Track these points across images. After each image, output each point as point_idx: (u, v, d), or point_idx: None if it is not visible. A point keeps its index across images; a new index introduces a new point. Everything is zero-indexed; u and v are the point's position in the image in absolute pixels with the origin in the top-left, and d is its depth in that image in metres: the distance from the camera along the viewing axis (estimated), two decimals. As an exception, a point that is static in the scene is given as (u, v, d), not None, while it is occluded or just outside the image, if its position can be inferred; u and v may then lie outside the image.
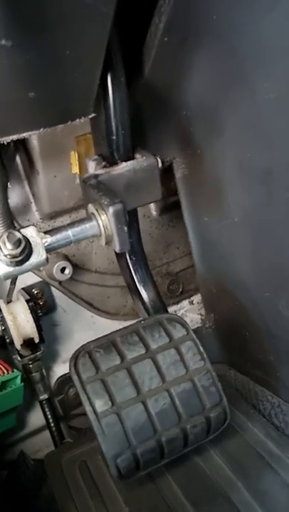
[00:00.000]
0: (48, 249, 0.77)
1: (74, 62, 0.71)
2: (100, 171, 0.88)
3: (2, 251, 0.71)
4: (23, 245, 0.72)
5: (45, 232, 0.78)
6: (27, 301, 1.17)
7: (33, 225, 0.82)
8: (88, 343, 0.85)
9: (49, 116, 0.81)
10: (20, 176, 1.19)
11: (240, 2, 0.71)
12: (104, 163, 0.91)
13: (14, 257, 0.72)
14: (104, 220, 0.78)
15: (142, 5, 0.78)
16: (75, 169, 1.18)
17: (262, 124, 0.83)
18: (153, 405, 0.80)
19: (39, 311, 1.20)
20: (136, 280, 0.97)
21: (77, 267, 1.28)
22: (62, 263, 1.23)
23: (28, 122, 0.80)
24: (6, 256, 0.72)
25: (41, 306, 1.26)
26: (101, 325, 1.35)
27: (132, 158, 0.91)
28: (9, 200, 1.09)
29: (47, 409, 1.28)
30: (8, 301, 1.19)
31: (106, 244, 0.82)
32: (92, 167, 0.92)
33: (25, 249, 0.72)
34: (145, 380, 0.81)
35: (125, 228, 0.78)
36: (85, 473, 0.99)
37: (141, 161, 0.89)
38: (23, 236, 0.72)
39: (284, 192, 0.81)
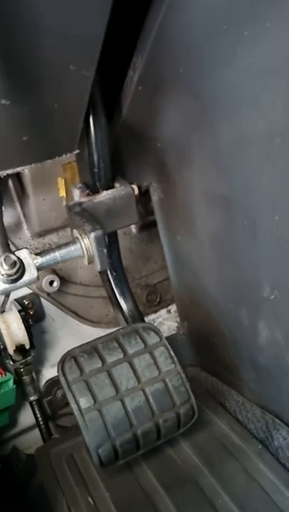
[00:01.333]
0: (39, 268, 0.87)
1: (61, 113, 0.82)
2: (83, 199, 0.98)
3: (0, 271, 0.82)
4: (17, 266, 0.82)
5: (36, 254, 0.88)
6: (19, 311, 1.27)
7: (26, 247, 0.92)
8: (74, 348, 0.95)
9: (39, 153, 0.92)
10: (12, 199, 1.29)
11: (201, 59, 0.82)
12: (87, 191, 1.02)
13: (10, 276, 0.82)
14: (86, 244, 0.89)
15: (118, 60, 0.89)
16: (62, 193, 1.29)
17: (222, 160, 0.94)
18: (129, 403, 0.90)
19: (30, 320, 1.30)
20: (116, 293, 1.08)
21: (64, 280, 1.38)
22: (51, 277, 1.34)
23: (21, 159, 0.91)
24: (2, 275, 0.82)
25: (32, 315, 1.35)
26: (85, 332, 1.45)
27: (112, 186, 1.02)
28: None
29: (36, 409, 1.37)
30: (2, 311, 1.29)
31: (88, 263, 0.92)
32: (77, 194, 1.03)
33: (20, 270, 0.83)
34: (123, 380, 0.91)
35: (105, 251, 0.88)
36: (71, 464, 1.08)
37: (119, 189, 1.00)
38: (18, 258, 0.83)
39: (241, 218, 0.92)
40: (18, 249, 0.86)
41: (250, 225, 0.91)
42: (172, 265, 1.27)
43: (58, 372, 0.92)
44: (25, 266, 0.84)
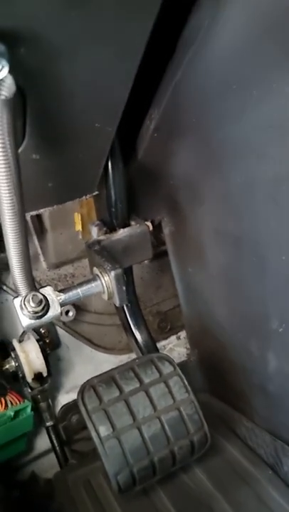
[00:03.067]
0: (62, 304, 0.93)
1: (84, 162, 0.90)
2: (102, 237, 1.05)
3: (26, 308, 0.88)
4: (43, 304, 0.88)
5: (60, 291, 0.95)
6: (37, 341, 1.33)
7: (49, 284, 0.98)
8: (92, 378, 1.01)
9: (62, 196, 1.00)
10: (30, 232, 1.36)
11: (213, 113, 0.89)
12: (104, 228, 1.09)
13: (36, 313, 0.88)
14: (106, 281, 0.96)
15: (135, 111, 0.96)
16: (78, 227, 1.36)
17: (232, 201, 1.00)
18: (146, 430, 0.95)
19: (47, 348, 1.36)
20: (131, 324, 1.14)
21: (79, 309, 1.44)
22: (67, 307, 1.40)
23: (45, 202, 0.98)
24: (29, 312, 0.88)
25: (48, 343, 1.41)
26: (99, 359, 1.51)
27: (128, 224, 1.09)
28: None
29: (52, 435, 1.42)
30: (20, 341, 1.35)
31: (108, 299, 0.99)
32: (94, 231, 1.09)
33: (45, 307, 0.89)
34: (140, 409, 0.97)
35: (124, 288, 0.95)
36: (88, 490, 1.12)
37: (135, 227, 1.07)
38: (43, 295, 0.89)
39: (250, 255, 0.99)
40: (42, 287, 0.93)
41: (259, 261, 0.97)
42: (183, 295, 1.33)
43: (77, 401, 0.98)
44: (50, 302, 0.90)
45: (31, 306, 0.87)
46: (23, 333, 1.36)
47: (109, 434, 0.94)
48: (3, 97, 0.59)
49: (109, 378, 1.00)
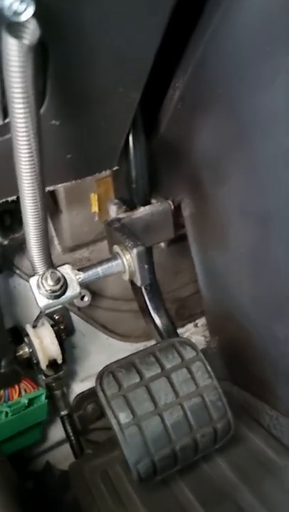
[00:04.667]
0: (81, 284, 0.89)
1: (105, 132, 0.86)
2: (122, 215, 1.01)
3: (44, 286, 0.84)
4: (62, 282, 0.84)
5: (78, 269, 0.91)
6: (52, 326, 1.29)
7: (67, 262, 0.94)
8: (111, 364, 0.97)
9: (80, 171, 0.95)
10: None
11: (242, 80, 0.85)
12: (124, 206, 1.04)
13: (54, 292, 0.84)
14: (128, 259, 0.91)
15: (158, 79, 0.92)
16: (95, 208, 1.31)
17: (259, 177, 0.96)
18: (168, 417, 0.91)
19: (62, 334, 1.32)
20: (150, 308, 1.10)
21: (94, 294, 1.40)
22: (83, 291, 1.36)
23: (63, 177, 0.94)
24: (46, 291, 0.84)
25: (62, 330, 1.38)
26: (115, 347, 1.47)
27: (149, 202, 1.04)
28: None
29: (67, 424, 1.39)
30: (34, 326, 1.32)
31: (129, 279, 0.94)
32: (113, 210, 1.05)
33: (63, 286, 0.85)
34: (161, 395, 0.93)
35: (146, 266, 0.91)
36: (105, 480, 1.09)
37: (157, 205, 1.03)
38: (62, 274, 0.85)
39: (280, 233, 0.94)
40: (60, 265, 0.89)
41: (289, 238, 0.93)
42: (203, 280, 1.29)
43: (96, 387, 0.94)
44: (68, 281, 0.87)
45: (49, 284, 0.83)
46: (37, 318, 1.32)
47: (129, 422, 0.91)
48: (26, 42, 0.54)
49: (128, 363, 0.96)
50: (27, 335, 1.29)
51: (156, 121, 1.02)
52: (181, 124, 0.98)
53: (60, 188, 1.22)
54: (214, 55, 0.82)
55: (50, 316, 1.36)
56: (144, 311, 1.10)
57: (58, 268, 0.87)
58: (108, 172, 1.17)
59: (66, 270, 0.88)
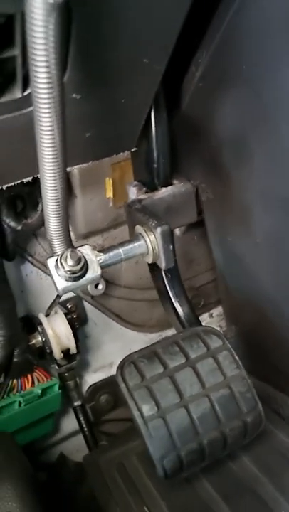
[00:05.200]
0: (102, 266, 0.79)
1: (127, 108, 0.78)
2: (142, 196, 0.90)
3: (63, 267, 0.73)
4: (82, 262, 0.74)
5: (99, 251, 0.80)
6: (65, 315, 1.19)
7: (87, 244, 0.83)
8: (131, 354, 0.87)
9: (99, 151, 0.87)
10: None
11: (267, 57, 0.75)
12: (144, 188, 0.94)
13: (74, 273, 0.74)
14: (152, 240, 0.81)
15: (181, 53, 0.82)
16: (109, 194, 1.21)
17: (283, 159, 0.85)
18: (194, 410, 0.81)
19: (76, 323, 1.22)
20: (171, 295, 0.99)
21: (108, 282, 1.30)
22: (96, 279, 1.26)
23: (81, 157, 0.85)
24: (66, 272, 0.74)
25: (75, 319, 1.27)
26: (128, 336, 1.37)
27: (171, 183, 0.94)
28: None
29: (80, 415, 1.29)
30: (47, 315, 1.21)
31: (152, 262, 0.84)
32: (133, 192, 0.95)
33: (84, 267, 0.75)
34: (186, 386, 0.82)
35: (171, 247, 0.80)
36: (122, 473, 1.00)
37: (179, 186, 0.92)
38: (82, 254, 0.75)
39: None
40: (79, 246, 0.79)
41: None
42: (222, 266, 1.18)
43: (117, 378, 0.84)
44: (88, 263, 0.76)
45: (68, 264, 0.73)
46: (51, 306, 1.22)
47: (153, 414, 0.80)
48: (50, 1, 0.46)
49: (151, 353, 0.85)
50: (40, 324, 1.18)
51: (177, 98, 0.91)
52: (202, 101, 0.88)
53: (75, 171, 1.12)
54: (240, 30, 0.73)
55: (63, 304, 1.25)
56: (165, 298, 1.00)
57: (78, 248, 0.76)
58: (125, 155, 1.07)
59: (86, 251, 0.78)
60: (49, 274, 1.23)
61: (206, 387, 0.82)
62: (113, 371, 1.36)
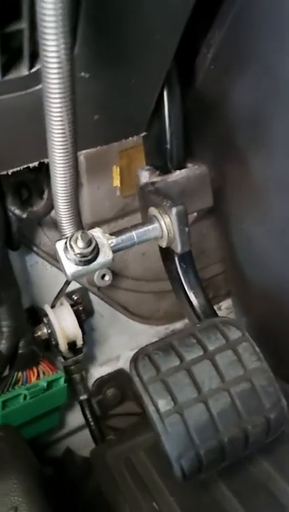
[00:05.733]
0: (114, 250, 0.69)
1: (137, 89, 0.70)
2: (156, 179, 0.81)
3: (73, 250, 0.64)
4: (93, 245, 0.64)
5: (110, 234, 0.71)
6: (71, 306, 1.09)
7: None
8: (146, 346, 0.77)
9: (107, 135, 0.79)
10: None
11: (283, 35, 0.66)
12: (157, 172, 0.84)
13: (84, 256, 0.65)
14: (167, 223, 0.71)
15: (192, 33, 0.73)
16: (116, 182, 1.11)
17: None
18: (214, 405, 0.71)
19: (82, 315, 1.12)
20: (186, 286, 0.89)
21: (114, 274, 1.20)
22: (103, 270, 1.16)
23: (89, 141, 0.77)
24: (76, 255, 0.64)
25: (81, 310, 1.17)
26: (135, 329, 1.27)
27: (184, 166, 0.84)
28: (52, 212, 1.02)
29: (87, 409, 1.19)
30: (52, 306, 1.12)
31: (166, 246, 0.74)
32: (145, 176, 0.85)
33: (95, 249, 0.65)
34: (205, 380, 0.72)
35: (186, 229, 0.71)
36: (130, 468, 0.91)
37: (193, 169, 0.83)
38: (93, 236, 0.65)
39: None
40: (89, 229, 0.69)
41: None
42: (233, 256, 1.09)
43: (130, 371, 0.74)
44: (99, 246, 0.67)
45: (79, 247, 0.63)
46: (57, 297, 1.12)
47: (170, 409, 0.70)
48: None
49: (166, 345, 0.76)
50: (46, 315, 1.09)
51: (190, 76, 0.82)
52: (216, 80, 0.79)
53: (82, 158, 1.03)
54: (254, 8, 0.66)
55: (69, 296, 1.16)
56: (178, 289, 0.89)
57: (88, 231, 0.67)
58: (133, 141, 0.98)
59: (97, 233, 0.68)
60: (54, 265, 1.16)
61: (225, 380, 0.73)
62: (120, 364, 1.27)
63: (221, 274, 1.27)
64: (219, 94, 0.84)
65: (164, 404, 0.70)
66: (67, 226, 0.65)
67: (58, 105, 0.50)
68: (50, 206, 1.00)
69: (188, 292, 0.87)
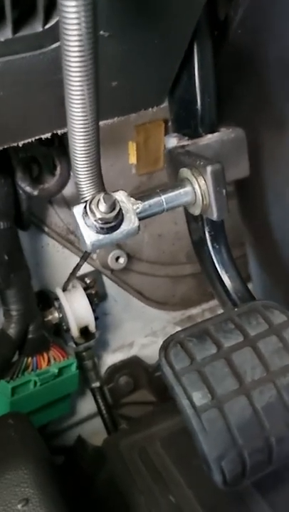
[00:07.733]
0: (140, 217, 0.52)
1: (160, 52, 0.56)
2: (185, 142, 0.63)
3: (94, 214, 0.47)
4: (117, 209, 0.47)
5: (136, 198, 0.53)
6: (84, 289, 0.92)
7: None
8: (177, 332, 0.60)
9: (125, 105, 0.63)
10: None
11: None
12: (186, 138, 0.67)
13: (106, 222, 0.47)
14: (201, 185, 0.54)
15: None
16: (133, 159, 0.94)
17: None
18: (258, 398, 0.54)
19: (95, 299, 0.95)
20: (219, 270, 0.71)
21: (128, 256, 1.03)
22: (118, 252, 0.99)
23: (105, 111, 0.60)
24: (97, 220, 0.47)
25: (94, 294, 1.00)
26: (150, 315, 1.10)
27: (217, 130, 0.67)
28: (64, 190, 0.85)
29: (98, 397, 1.02)
30: (64, 289, 0.94)
31: (200, 213, 0.57)
32: (172, 143, 0.67)
33: (119, 215, 0.48)
34: (247, 369, 0.56)
35: (224, 191, 0.54)
36: (145, 458, 0.79)
37: (228, 132, 0.65)
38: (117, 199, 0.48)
39: None
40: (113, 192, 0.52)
41: None
42: (256, 239, 0.91)
43: (160, 361, 0.57)
44: (123, 212, 0.50)
45: (101, 211, 0.46)
46: (68, 280, 0.95)
47: (207, 403, 0.53)
48: None
49: (201, 331, 0.59)
50: (57, 299, 0.92)
51: (220, 30, 0.64)
52: (249, 31, 0.61)
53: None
54: None
55: (81, 279, 0.98)
56: (211, 275, 0.72)
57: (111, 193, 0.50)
58: (153, 112, 0.81)
59: (121, 197, 0.51)
60: (66, 247, 0.98)
61: (270, 370, 0.56)
62: (133, 351, 1.10)
63: (241, 258, 1.09)
64: (254, 45, 0.66)
65: (200, 397, 0.53)
66: (86, 187, 0.48)
67: (78, 64, 0.38)
68: (63, 183, 0.84)
69: (221, 276, 0.70)
